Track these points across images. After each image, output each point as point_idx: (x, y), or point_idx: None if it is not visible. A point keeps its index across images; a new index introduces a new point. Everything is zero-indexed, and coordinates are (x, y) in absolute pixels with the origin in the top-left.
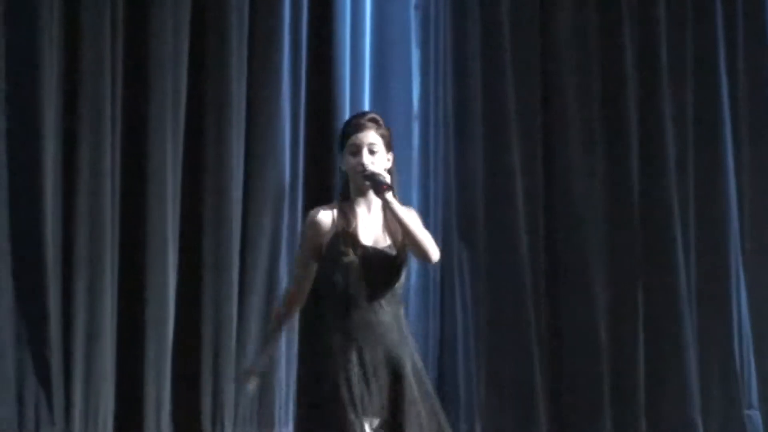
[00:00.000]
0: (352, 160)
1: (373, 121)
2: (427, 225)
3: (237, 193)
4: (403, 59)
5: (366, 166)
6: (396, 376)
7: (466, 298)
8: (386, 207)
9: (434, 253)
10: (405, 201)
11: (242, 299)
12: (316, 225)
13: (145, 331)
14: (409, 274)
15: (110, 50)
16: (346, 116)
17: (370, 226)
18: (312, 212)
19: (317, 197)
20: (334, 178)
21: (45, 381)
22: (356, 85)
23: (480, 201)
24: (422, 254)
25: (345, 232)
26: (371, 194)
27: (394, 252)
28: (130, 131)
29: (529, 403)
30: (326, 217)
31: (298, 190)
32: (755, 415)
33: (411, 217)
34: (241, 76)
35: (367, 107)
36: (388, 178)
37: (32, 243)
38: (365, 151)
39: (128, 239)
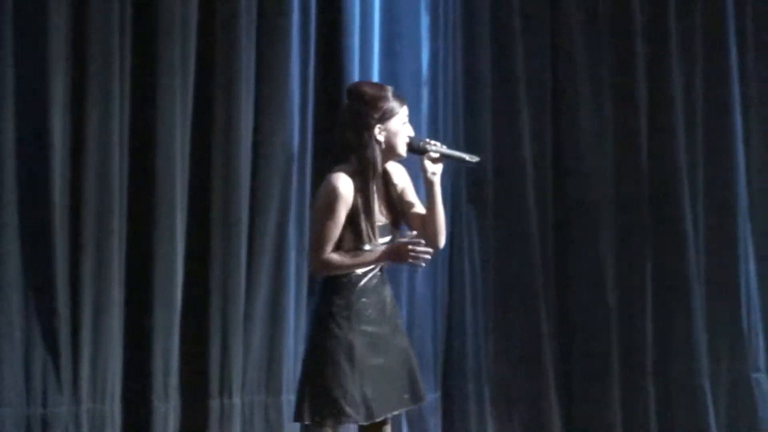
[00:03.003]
0: (405, 128)
1: None
2: None
3: (246, 159)
4: (413, 25)
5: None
6: (406, 353)
7: (474, 261)
8: (432, 184)
9: (444, 238)
10: (416, 166)
11: (251, 265)
12: (345, 195)
13: (152, 299)
14: None
15: (119, 17)
16: (355, 80)
17: (378, 201)
18: (334, 184)
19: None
20: None
21: (53, 350)
22: (366, 50)
23: (488, 165)
24: (435, 235)
25: (366, 196)
26: (388, 167)
27: (393, 221)
28: (138, 97)
29: (537, 364)
30: (349, 185)
31: (307, 154)
32: (763, 378)
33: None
34: (250, 41)
35: (376, 72)
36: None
37: (39, 213)
38: None
39: (136, 207)
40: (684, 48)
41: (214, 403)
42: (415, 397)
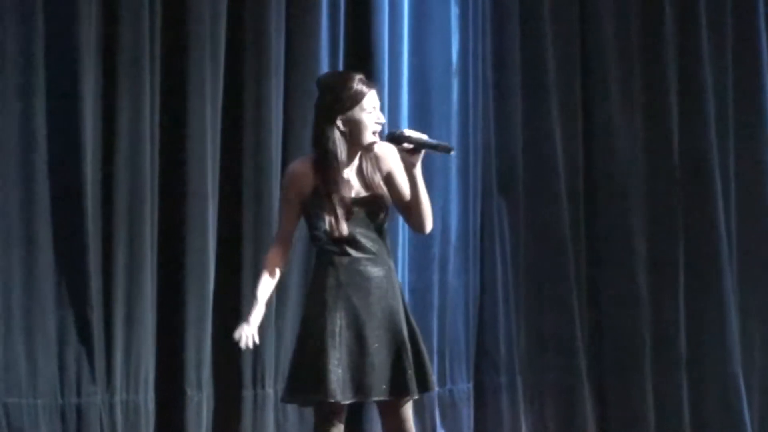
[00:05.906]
0: (370, 117)
1: None
2: (466, 179)
3: (276, 149)
4: (442, 15)
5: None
6: (396, 341)
7: (506, 252)
8: (412, 169)
9: (430, 224)
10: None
11: None
12: (296, 178)
13: (185, 289)
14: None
15: (148, 6)
16: (386, 74)
17: (352, 180)
18: (290, 166)
19: None
20: None
21: (86, 340)
22: (395, 41)
23: (519, 154)
24: (420, 222)
25: (326, 184)
26: (377, 150)
27: (375, 203)
28: (168, 90)
29: (569, 355)
30: (306, 169)
31: None
32: None
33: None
34: (279, 31)
35: (405, 63)
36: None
37: (71, 205)
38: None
39: (168, 198)
40: (714, 30)
41: (248, 393)
42: (398, 390)
